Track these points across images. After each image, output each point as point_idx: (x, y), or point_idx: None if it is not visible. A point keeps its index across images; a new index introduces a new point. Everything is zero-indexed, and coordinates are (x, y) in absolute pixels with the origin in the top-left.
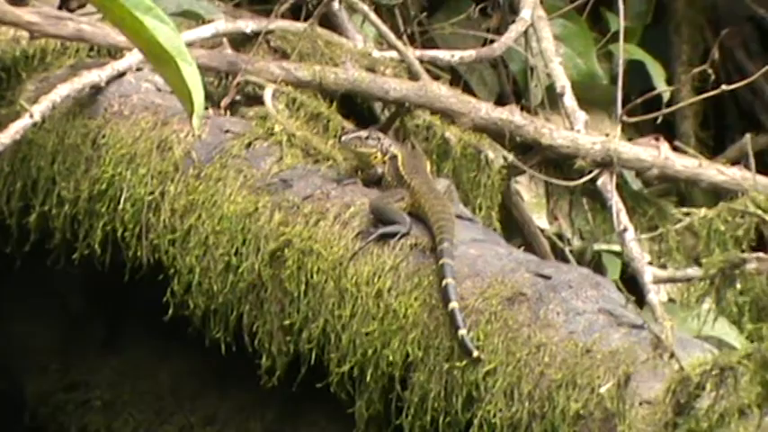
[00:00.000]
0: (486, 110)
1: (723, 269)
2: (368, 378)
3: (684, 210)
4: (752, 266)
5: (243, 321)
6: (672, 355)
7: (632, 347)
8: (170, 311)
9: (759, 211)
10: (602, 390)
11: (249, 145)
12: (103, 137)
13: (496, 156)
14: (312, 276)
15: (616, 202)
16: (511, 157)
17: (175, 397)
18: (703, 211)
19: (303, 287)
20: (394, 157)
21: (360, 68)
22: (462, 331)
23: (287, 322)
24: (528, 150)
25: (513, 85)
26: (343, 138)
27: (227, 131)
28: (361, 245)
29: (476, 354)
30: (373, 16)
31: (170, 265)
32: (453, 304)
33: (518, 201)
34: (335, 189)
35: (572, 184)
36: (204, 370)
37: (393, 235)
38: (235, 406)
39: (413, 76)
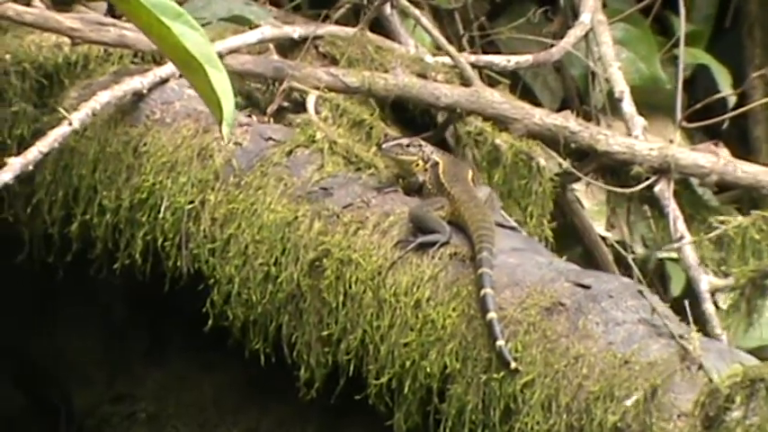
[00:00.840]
0: (539, 116)
1: (754, 279)
2: (406, 390)
3: (720, 218)
4: None
5: (282, 332)
6: (700, 367)
7: (671, 359)
8: (209, 322)
9: None
10: (628, 403)
11: (290, 153)
12: (144, 145)
13: (549, 162)
14: (350, 287)
15: (673, 210)
16: (566, 163)
17: (218, 409)
18: (739, 218)
19: (341, 297)
20: (435, 165)
21: (410, 74)
22: (500, 342)
23: (325, 333)
24: (584, 157)
25: (577, 90)
26: (383, 145)
27: (268, 139)
28: (400, 254)
29: (513, 365)
30: (425, 20)
31: (210, 275)
32: (491, 315)
33: (578, 208)
34: (376, 197)
35: (628, 191)
36: (245, 382)
37: (432, 244)
38: (275, 419)
39: (465, 82)
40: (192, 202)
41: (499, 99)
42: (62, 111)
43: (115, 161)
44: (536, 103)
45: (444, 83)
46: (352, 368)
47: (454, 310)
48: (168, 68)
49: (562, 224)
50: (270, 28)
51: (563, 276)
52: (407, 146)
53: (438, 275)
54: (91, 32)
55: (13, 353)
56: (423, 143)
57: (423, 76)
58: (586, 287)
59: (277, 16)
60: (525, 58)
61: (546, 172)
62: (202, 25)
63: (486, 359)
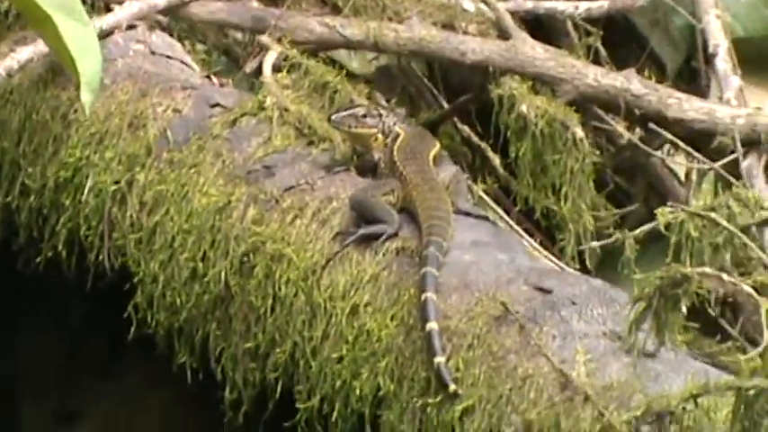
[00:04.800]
0: (594, 75)
1: (661, 288)
2: (335, 416)
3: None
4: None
5: (209, 343)
6: (586, 398)
7: (630, 382)
8: (131, 330)
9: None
10: None
11: (234, 122)
12: (75, 111)
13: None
14: (280, 288)
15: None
16: (626, 134)
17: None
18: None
19: (270, 301)
20: (394, 140)
21: (431, 25)
22: (439, 359)
23: (252, 345)
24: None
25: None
26: (333, 116)
27: (215, 105)
28: (338, 249)
29: (452, 387)
30: None
31: (134, 272)
32: (431, 325)
33: (672, 185)
34: (323, 178)
35: (706, 167)
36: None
37: (377, 236)
38: None
39: (502, 34)
40: (117, 182)
41: (543, 55)
42: None
43: (42, 131)
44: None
45: (477, 35)
46: (280, 388)
47: (393, 318)
48: (111, 18)
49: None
50: None
51: (522, 278)
52: (363, 116)
53: (380, 275)
54: None
55: None
56: (384, 112)
57: (450, 26)
58: (546, 291)
59: None
60: (599, 4)
61: (585, 145)
62: None
63: (424, 379)
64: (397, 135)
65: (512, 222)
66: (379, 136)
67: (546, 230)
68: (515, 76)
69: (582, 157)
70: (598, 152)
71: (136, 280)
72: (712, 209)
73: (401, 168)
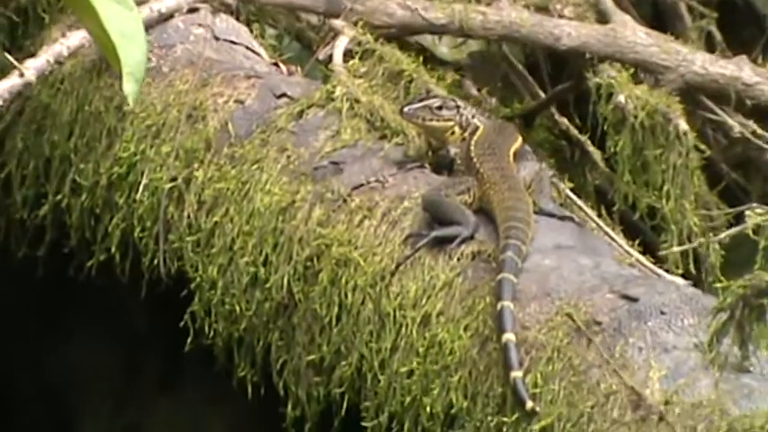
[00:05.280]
0: (702, 62)
1: (745, 297)
2: None
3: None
4: None
5: (271, 355)
6: (661, 418)
7: (720, 400)
8: (188, 340)
9: None
10: None
11: (300, 114)
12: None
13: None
14: (347, 296)
15: None
16: (736, 125)
17: None
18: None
19: (336, 310)
20: (473, 134)
21: (522, 8)
22: (515, 374)
23: (316, 357)
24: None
25: None
26: (406, 109)
27: (281, 96)
28: (408, 253)
29: (530, 405)
30: None
31: (192, 277)
32: (507, 336)
33: None
34: (395, 176)
35: None
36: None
37: (451, 239)
38: None
39: (601, 18)
40: (174, 179)
41: (646, 40)
42: (8, 57)
43: (95, 124)
44: None
45: (573, 19)
46: (346, 404)
47: (467, 329)
48: (172, 1)
49: None
50: None
51: (607, 285)
52: (439, 108)
53: (453, 282)
54: None
55: (22, 372)
56: (462, 104)
57: (544, 9)
58: (633, 299)
59: None
60: None
61: (688, 139)
62: None
63: (500, 395)
64: (476, 129)
65: (601, 224)
66: (456, 129)
67: (652, 231)
68: (615, 64)
69: (686, 151)
70: (709, 146)
71: (193, 286)
72: None
73: (478, 165)
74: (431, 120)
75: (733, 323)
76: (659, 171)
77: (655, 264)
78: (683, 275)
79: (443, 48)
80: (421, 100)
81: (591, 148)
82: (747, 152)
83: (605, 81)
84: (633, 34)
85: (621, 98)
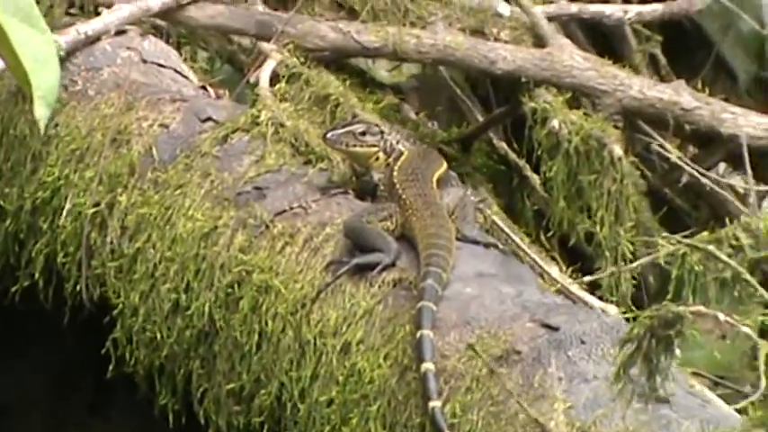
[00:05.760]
0: (639, 87)
1: (652, 328)
2: None
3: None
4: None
5: (192, 383)
6: None
7: (638, 431)
8: (110, 368)
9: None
10: None
11: (225, 138)
12: (56, 126)
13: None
14: (267, 323)
15: None
16: (674, 151)
17: None
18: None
19: (256, 337)
20: (398, 159)
21: (458, 31)
22: (434, 403)
23: (236, 385)
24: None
25: None
26: (329, 134)
27: (206, 120)
28: (329, 280)
29: None
30: None
31: (114, 303)
32: (426, 365)
33: (736, 207)
34: (318, 201)
35: (763, 188)
36: None
37: (372, 266)
38: None
39: (538, 41)
40: (97, 204)
41: (583, 64)
42: None
43: (20, 147)
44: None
45: (510, 42)
46: None
47: (386, 357)
48: (98, 23)
49: None
50: None
51: (528, 313)
52: (363, 133)
53: (374, 310)
54: None
55: None
56: (386, 130)
57: (479, 32)
58: (554, 329)
59: None
60: (652, 8)
61: (623, 164)
62: None
63: (419, 425)
64: (400, 154)
65: (527, 250)
66: (380, 155)
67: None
68: (552, 88)
69: (620, 177)
70: (653, 171)
71: (115, 312)
72: (718, 240)
73: (400, 191)
74: (354, 145)
75: (640, 354)
76: (594, 196)
77: (591, 290)
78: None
79: (382, 71)
80: (345, 125)
81: (529, 173)
82: (686, 178)
83: (540, 106)
84: (570, 58)
85: (555, 123)
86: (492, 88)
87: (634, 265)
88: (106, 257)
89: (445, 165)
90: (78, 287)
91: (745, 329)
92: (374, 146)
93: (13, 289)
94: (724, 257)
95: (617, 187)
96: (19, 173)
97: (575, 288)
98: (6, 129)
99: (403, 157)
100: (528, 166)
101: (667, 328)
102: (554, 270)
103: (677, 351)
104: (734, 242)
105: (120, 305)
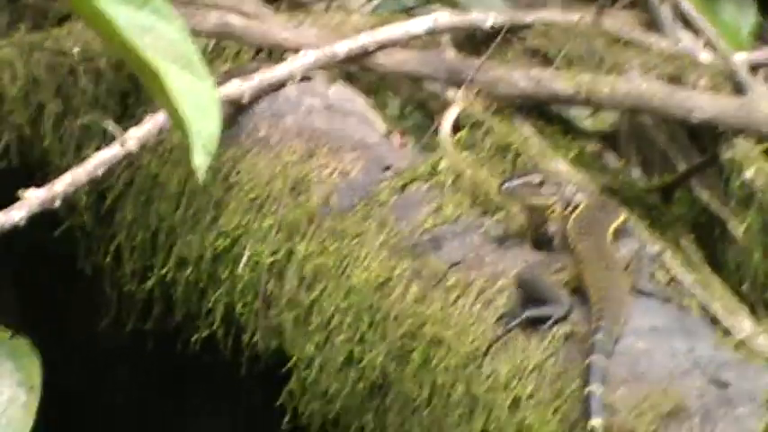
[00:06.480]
0: None
1: None
2: None
3: None
4: None
5: None
6: None
7: None
8: (285, 420)
9: None
10: None
11: (404, 188)
12: (237, 173)
13: None
14: (437, 377)
15: None
16: None
17: None
18: None
19: (427, 391)
20: (574, 211)
21: (654, 78)
22: None
23: None
24: None
25: None
26: (505, 184)
27: (386, 168)
28: (500, 333)
29: None
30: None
31: (290, 354)
32: (593, 423)
33: None
34: (494, 252)
35: None
36: None
37: (544, 320)
38: None
39: (737, 89)
40: (275, 252)
41: None
42: (111, 126)
43: (201, 195)
44: None
45: (708, 90)
46: None
47: (555, 412)
48: (282, 70)
49: None
50: (447, 14)
51: (699, 369)
52: (540, 185)
53: (545, 364)
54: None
55: None
56: (564, 181)
57: (677, 80)
58: (723, 385)
59: None
60: None
61: None
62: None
63: None
64: (577, 206)
65: (709, 303)
66: (557, 207)
67: None
68: (751, 137)
69: None
70: None
71: (290, 364)
72: None
73: (574, 243)
74: (532, 196)
75: None
76: None
77: None
78: None
79: (587, 120)
80: (521, 175)
81: (731, 224)
82: None
83: (736, 156)
84: None
85: (749, 173)
86: (691, 136)
87: None
88: (283, 308)
89: (623, 216)
90: (255, 338)
91: None
92: (550, 198)
93: (193, 338)
94: None
95: None
96: (200, 221)
97: (761, 339)
98: (189, 176)
99: (579, 209)
100: (732, 216)
101: None
102: (745, 323)
103: None
104: None
105: (296, 356)
